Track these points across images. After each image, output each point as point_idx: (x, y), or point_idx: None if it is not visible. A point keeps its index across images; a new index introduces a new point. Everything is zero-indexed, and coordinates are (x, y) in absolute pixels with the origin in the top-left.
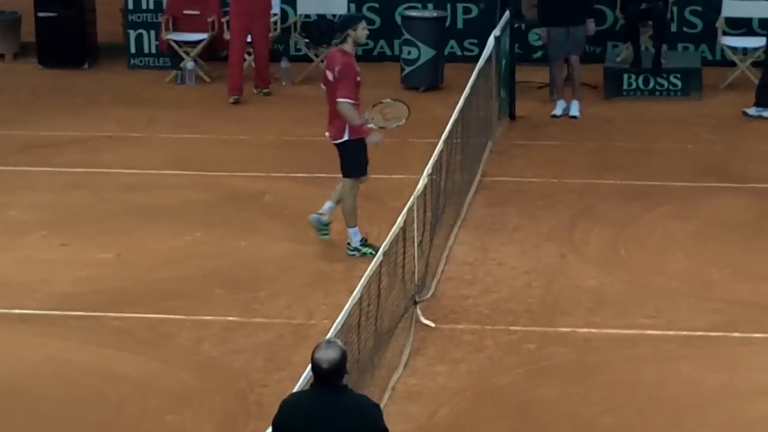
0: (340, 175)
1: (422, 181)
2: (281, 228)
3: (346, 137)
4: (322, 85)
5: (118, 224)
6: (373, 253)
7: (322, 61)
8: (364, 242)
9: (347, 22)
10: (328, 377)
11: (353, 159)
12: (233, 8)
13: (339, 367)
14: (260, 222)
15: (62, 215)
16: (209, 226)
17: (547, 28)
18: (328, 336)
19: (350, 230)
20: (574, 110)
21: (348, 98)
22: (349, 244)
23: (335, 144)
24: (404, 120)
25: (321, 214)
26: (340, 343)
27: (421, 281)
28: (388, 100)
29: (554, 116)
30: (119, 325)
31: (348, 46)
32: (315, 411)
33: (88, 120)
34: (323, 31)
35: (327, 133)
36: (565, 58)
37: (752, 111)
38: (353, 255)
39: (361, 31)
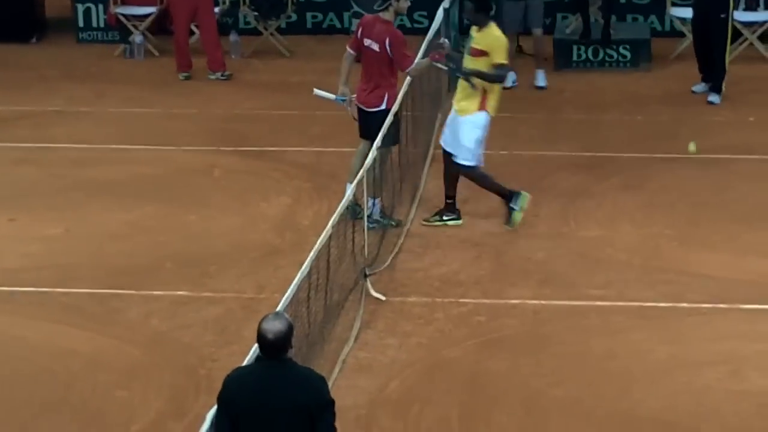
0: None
1: (371, 155)
2: (231, 202)
3: (384, 106)
4: (350, 49)
5: (66, 199)
6: (394, 224)
7: (271, 34)
8: (384, 214)
9: None
10: (273, 348)
11: (390, 128)
12: None
13: (284, 340)
14: (210, 196)
15: (10, 191)
16: (158, 200)
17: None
18: (277, 309)
19: (373, 201)
20: (540, 80)
21: (412, 65)
22: (369, 216)
23: (369, 112)
24: None
25: (357, 205)
26: (287, 316)
27: (372, 254)
28: None
29: (505, 88)
30: (68, 301)
31: (388, 15)
32: (259, 384)
33: (36, 95)
34: (272, 3)
35: (356, 100)
36: (524, 31)
37: (700, 88)
38: (373, 227)
39: (404, 3)
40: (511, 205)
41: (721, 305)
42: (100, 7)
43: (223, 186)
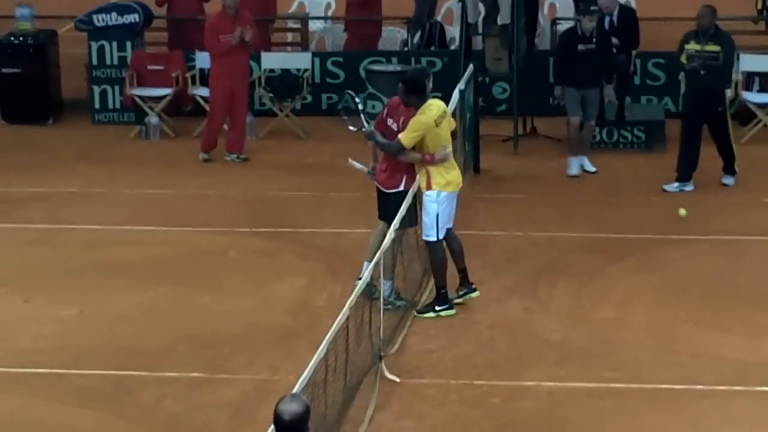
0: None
1: (389, 236)
2: (245, 283)
3: (402, 187)
4: (375, 129)
5: (80, 281)
6: (407, 305)
7: (287, 116)
8: (398, 296)
9: (415, 84)
10: (290, 430)
11: (408, 209)
12: (215, 71)
13: (301, 421)
14: (224, 278)
15: (25, 272)
16: (173, 282)
17: (562, 86)
18: (293, 391)
19: (386, 282)
20: (588, 166)
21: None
22: (383, 297)
23: (387, 193)
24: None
25: (373, 286)
26: (305, 398)
27: (387, 336)
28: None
29: (571, 176)
30: (82, 383)
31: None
32: None
33: (52, 176)
34: (287, 85)
35: (375, 180)
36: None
37: (672, 188)
38: (387, 309)
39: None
40: (437, 305)
41: (736, 388)
42: (116, 88)
43: (238, 267)
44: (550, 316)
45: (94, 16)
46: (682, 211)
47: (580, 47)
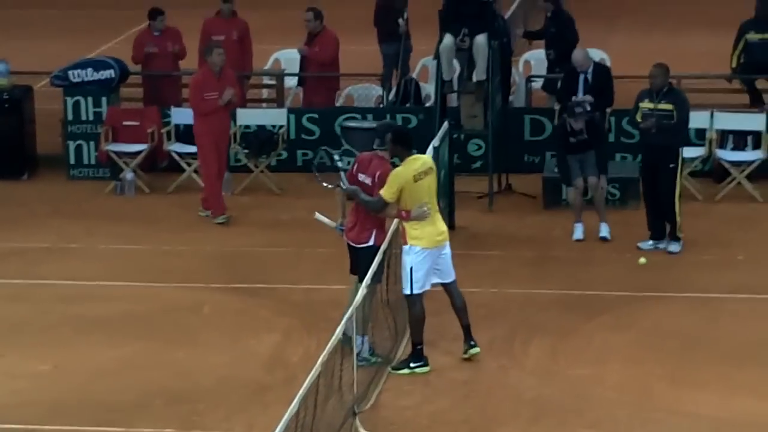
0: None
1: (361, 292)
2: (220, 339)
3: (372, 242)
4: (342, 185)
5: (55, 336)
6: (381, 361)
7: (262, 172)
8: (372, 351)
9: (389, 129)
10: None
11: (379, 264)
12: (201, 128)
13: None
14: (199, 333)
15: None
16: (147, 337)
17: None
18: None
19: (361, 339)
20: (604, 231)
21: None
22: (358, 354)
23: (358, 248)
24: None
25: (349, 338)
26: None
27: (361, 392)
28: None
29: (577, 240)
30: None
31: (386, 153)
32: None
33: (26, 231)
34: (263, 141)
35: (345, 237)
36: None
37: (647, 245)
38: (362, 365)
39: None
40: (412, 361)
41: None
42: (92, 144)
43: (213, 323)
44: (525, 372)
45: (70, 72)
46: (642, 260)
47: (572, 140)
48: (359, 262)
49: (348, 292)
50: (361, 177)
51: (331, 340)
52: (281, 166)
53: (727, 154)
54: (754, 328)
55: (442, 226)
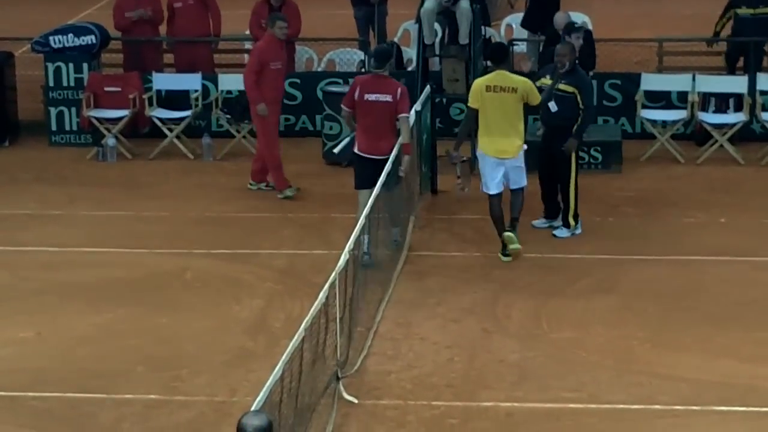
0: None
1: (343, 257)
2: (203, 305)
3: (395, 151)
4: (348, 107)
5: (37, 303)
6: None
7: (243, 137)
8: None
9: (388, 53)
10: None
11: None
12: (265, 95)
13: None
14: (181, 299)
15: None
16: (130, 303)
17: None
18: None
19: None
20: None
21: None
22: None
23: (383, 160)
24: None
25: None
26: (268, 414)
27: (344, 357)
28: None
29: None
30: (38, 405)
31: (386, 72)
32: None
33: (8, 198)
34: (245, 107)
35: (369, 154)
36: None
37: (539, 223)
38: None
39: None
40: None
41: (694, 407)
42: (73, 110)
43: (195, 289)
44: (508, 336)
45: (51, 38)
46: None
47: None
48: (379, 172)
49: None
50: (373, 97)
51: (314, 305)
52: None
53: (709, 117)
54: (736, 290)
55: (507, 143)
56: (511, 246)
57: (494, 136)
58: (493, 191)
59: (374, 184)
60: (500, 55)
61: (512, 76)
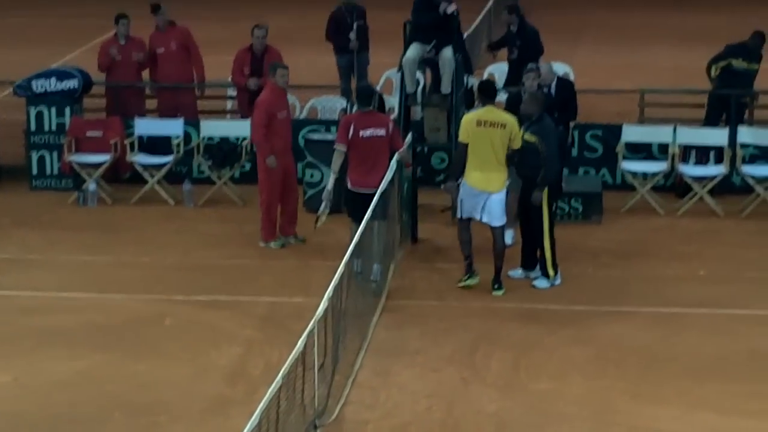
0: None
1: (323, 305)
2: (181, 351)
3: (385, 185)
4: (343, 145)
5: (15, 347)
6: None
7: (225, 184)
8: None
9: (371, 91)
10: None
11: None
12: (273, 146)
13: None
14: (160, 345)
15: None
16: (108, 349)
17: None
18: None
19: (376, 265)
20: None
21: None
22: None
23: (371, 193)
24: None
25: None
26: None
27: (322, 406)
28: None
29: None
30: None
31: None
32: None
33: None
34: (226, 153)
35: (362, 187)
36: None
37: (516, 273)
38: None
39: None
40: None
41: None
42: (55, 154)
43: (174, 335)
44: (486, 386)
45: (33, 82)
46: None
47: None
48: (369, 204)
49: (351, 234)
50: (368, 133)
51: (292, 353)
52: (244, 178)
53: (690, 169)
54: (715, 343)
55: (491, 177)
56: (473, 282)
57: (481, 170)
58: (465, 215)
59: (360, 218)
60: (490, 92)
61: (502, 112)
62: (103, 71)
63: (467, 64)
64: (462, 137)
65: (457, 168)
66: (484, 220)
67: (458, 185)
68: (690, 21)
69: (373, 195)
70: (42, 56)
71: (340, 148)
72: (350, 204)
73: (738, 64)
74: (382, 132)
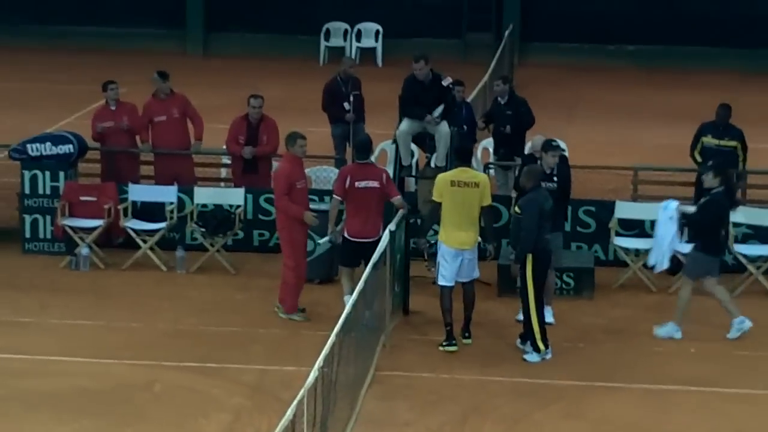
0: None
1: (313, 374)
2: (170, 418)
3: (382, 233)
4: (340, 197)
5: (4, 411)
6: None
7: (217, 251)
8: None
9: (368, 143)
10: None
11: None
12: (288, 220)
13: None
14: (148, 412)
15: None
16: (97, 414)
17: None
18: None
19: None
20: (548, 317)
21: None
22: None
23: (373, 242)
24: None
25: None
26: None
27: None
28: None
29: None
30: None
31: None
32: None
33: None
34: (220, 221)
35: (359, 237)
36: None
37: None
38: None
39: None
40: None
41: None
42: (48, 218)
43: (163, 402)
44: None
45: (29, 146)
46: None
47: (543, 184)
48: (369, 253)
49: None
50: (363, 184)
51: (281, 422)
52: (237, 246)
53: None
54: (705, 421)
55: (466, 236)
56: (452, 349)
57: (456, 228)
58: (449, 283)
59: (358, 265)
60: (466, 154)
61: (474, 171)
62: (96, 141)
63: (471, 132)
64: (435, 196)
65: (428, 225)
66: (459, 279)
67: (429, 243)
68: (680, 98)
69: (370, 243)
70: (36, 121)
71: (336, 198)
72: (347, 253)
73: (708, 141)
74: (376, 184)
